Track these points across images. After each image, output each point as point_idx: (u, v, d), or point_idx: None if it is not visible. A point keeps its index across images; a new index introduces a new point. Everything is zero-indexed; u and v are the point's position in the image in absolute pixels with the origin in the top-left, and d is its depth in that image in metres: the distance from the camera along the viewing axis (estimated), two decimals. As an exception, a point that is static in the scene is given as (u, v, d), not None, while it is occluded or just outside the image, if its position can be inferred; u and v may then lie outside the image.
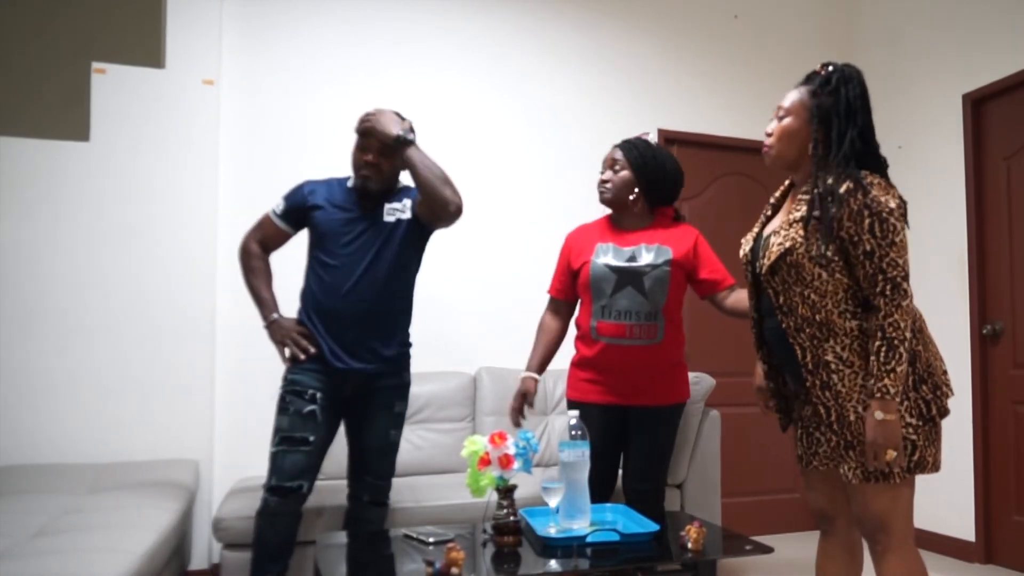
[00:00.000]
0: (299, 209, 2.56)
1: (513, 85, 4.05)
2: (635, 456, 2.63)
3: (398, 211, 2.52)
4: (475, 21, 4.00)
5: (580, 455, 2.11)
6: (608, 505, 2.38)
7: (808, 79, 1.93)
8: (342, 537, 2.32)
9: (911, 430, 1.80)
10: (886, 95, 4.38)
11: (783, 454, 4.42)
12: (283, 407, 2.43)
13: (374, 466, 2.54)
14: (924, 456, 1.82)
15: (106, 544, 1.98)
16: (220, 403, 3.40)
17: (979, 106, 3.84)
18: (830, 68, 1.90)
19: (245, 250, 2.62)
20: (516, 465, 2.08)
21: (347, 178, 2.59)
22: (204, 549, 3.30)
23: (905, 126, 4.21)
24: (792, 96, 1.93)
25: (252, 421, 3.40)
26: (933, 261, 3.99)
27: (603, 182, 2.67)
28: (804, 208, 1.84)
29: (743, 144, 4.47)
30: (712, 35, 4.47)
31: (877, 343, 1.73)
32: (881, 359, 1.72)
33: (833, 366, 1.83)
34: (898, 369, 1.73)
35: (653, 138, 2.76)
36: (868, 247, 1.75)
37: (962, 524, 3.77)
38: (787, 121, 1.92)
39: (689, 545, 1.98)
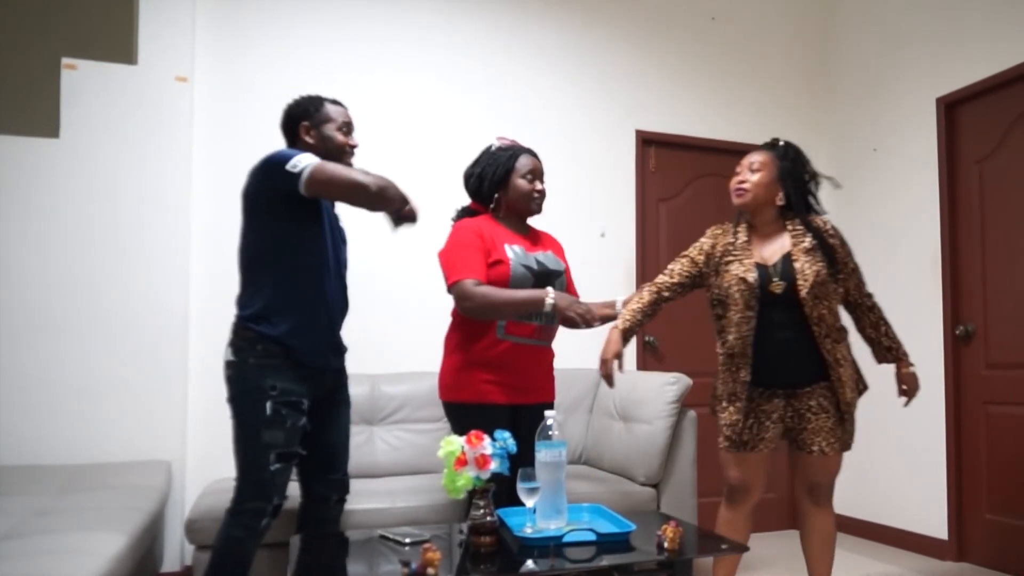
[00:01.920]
0: None
1: (490, 86, 4.04)
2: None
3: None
4: (452, 21, 3.99)
5: (557, 455, 2.10)
6: (585, 505, 2.38)
7: (769, 147, 2.50)
8: (316, 539, 2.29)
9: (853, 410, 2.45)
10: (861, 98, 4.42)
11: (759, 454, 4.44)
12: (278, 420, 2.20)
13: (340, 461, 2.49)
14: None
15: (76, 546, 1.95)
16: (193, 404, 3.36)
17: (952, 110, 3.89)
18: (782, 143, 2.50)
19: None
20: (493, 465, 2.07)
21: None
22: (176, 551, 3.26)
23: (879, 129, 4.26)
24: (758, 156, 2.47)
25: (225, 422, 3.34)
26: (907, 263, 4.04)
27: (540, 192, 2.64)
28: (807, 240, 2.38)
29: (720, 146, 4.49)
30: (690, 37, 4.49)
31: (883, 326, 2.50)
32: (892, 334, 2.49)
33: (842, 361, 2.39)
34: None
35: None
36: (852, 265, 2.47)
37: (934, 522, 3.82)
38: (760, 175, 2.44)
39: (665, 544, 1.98)
